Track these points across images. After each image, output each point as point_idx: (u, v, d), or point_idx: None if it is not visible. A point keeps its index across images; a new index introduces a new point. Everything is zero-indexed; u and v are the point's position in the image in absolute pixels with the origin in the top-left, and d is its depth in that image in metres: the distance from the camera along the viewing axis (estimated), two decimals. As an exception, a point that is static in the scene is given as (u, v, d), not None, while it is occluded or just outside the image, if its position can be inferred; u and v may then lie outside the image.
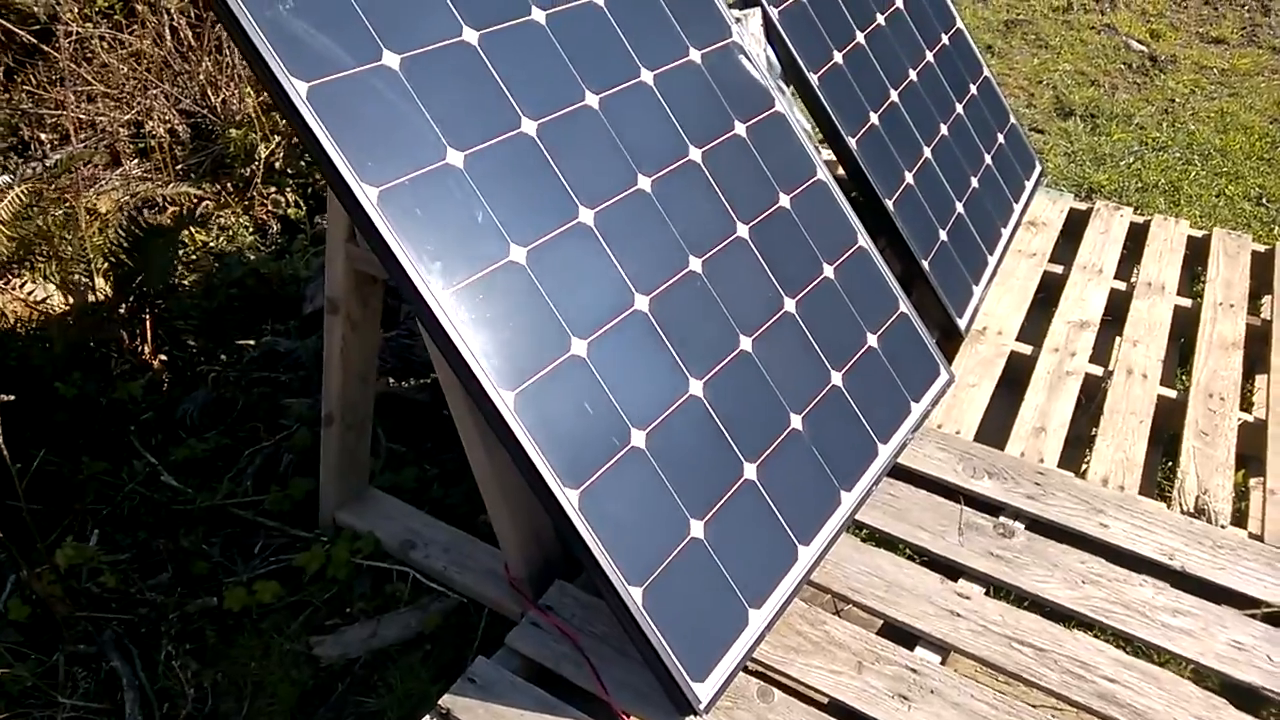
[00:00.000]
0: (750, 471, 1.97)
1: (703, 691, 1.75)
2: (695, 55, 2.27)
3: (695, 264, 2.05)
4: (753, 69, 2.38)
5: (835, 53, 2.67)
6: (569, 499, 1.70)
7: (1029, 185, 3.30)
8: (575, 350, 1.80)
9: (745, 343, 2.07)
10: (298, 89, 1.61)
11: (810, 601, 2.04)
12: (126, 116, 4.08)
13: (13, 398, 1.73)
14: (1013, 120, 3.38)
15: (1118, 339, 2.81)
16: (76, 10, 4.03)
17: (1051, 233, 3.21)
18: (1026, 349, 2.75)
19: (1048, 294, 2.99)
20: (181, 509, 2.45)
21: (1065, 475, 2.33)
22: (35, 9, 4.03)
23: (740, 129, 2.28)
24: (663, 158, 2.09)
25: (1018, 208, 3.17)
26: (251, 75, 4.16)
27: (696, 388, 1.95)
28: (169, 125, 4.07)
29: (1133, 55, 4.57)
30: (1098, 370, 2.68)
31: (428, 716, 1.82)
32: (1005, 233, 3.05)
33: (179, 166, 4.00)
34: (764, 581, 1.92)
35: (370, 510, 2.35)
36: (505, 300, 1.74)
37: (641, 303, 1.93)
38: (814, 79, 2.56)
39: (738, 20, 2.41)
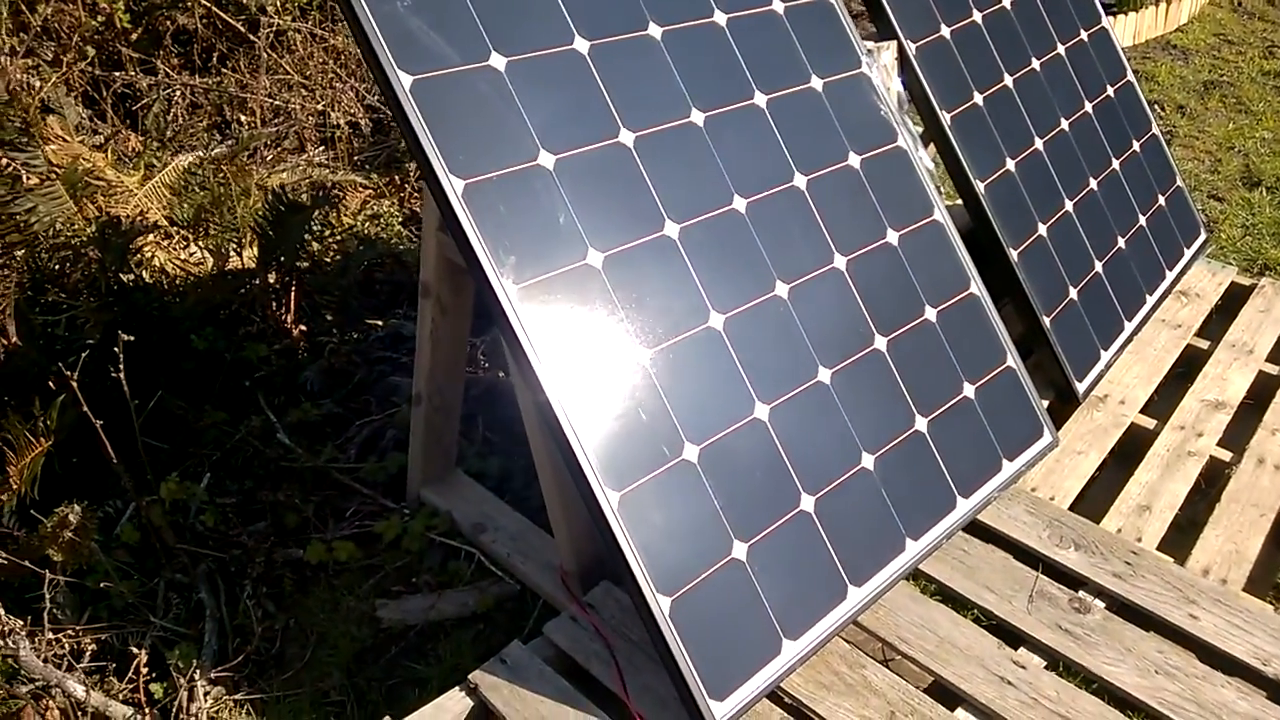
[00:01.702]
0: (807, 503, 1.95)
1: (719, 710, 1.74)
2: (817, 83, 2.27)
3: (781, 290, 2.05)
4: (879, 102, 2.36)
5: (975, 93, 2.60)
6: (609, 500, 1.73)
7: (1188, 253, 3.09)
8: (639, 359, 1.83)
9: (824, 374, 2.05)
10: (402, 81, 1.73)
11: (856, 644, 1.98)
12: (316, 106, 4.44)
13: (132, 338, 1.92)
14: (1179, 183, 3.17)
15: (1256, 425, 2.59)
16: (280, 4, 4.41)
17: (1204, 305, 2.99)
18: (1149, 423, 2.58)
19: (1187, 369, 2.79)
20: (288, 466, 2.63)
21: (1161, 559, 2.17)
22: (247, 0, 4.44)
23: (854, 160, 2.26)
24: (764, 181, 2.10)
25: (1170, 275, 2.98)
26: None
27: (762, 411, 1.94)
28: (352, 118, 4.39)
29: (1343, 128, 4.19)
30: (1225, 455, 2.48)
31: (457, 688, 1.90)
32: (1150, 299, 2.87)
33: (356, 157, 4.31)
34: (805, 614, 1.88)
35: (452, 491, 2.46)
36: (574, 302, 1.80)
37: (716, 321, 1.94)
38: (946, 118, 2.50)
39: (870, 52, 2.39)
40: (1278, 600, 2.24)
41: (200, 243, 2.90)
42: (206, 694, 2.11)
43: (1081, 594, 2.10)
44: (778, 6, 2.27)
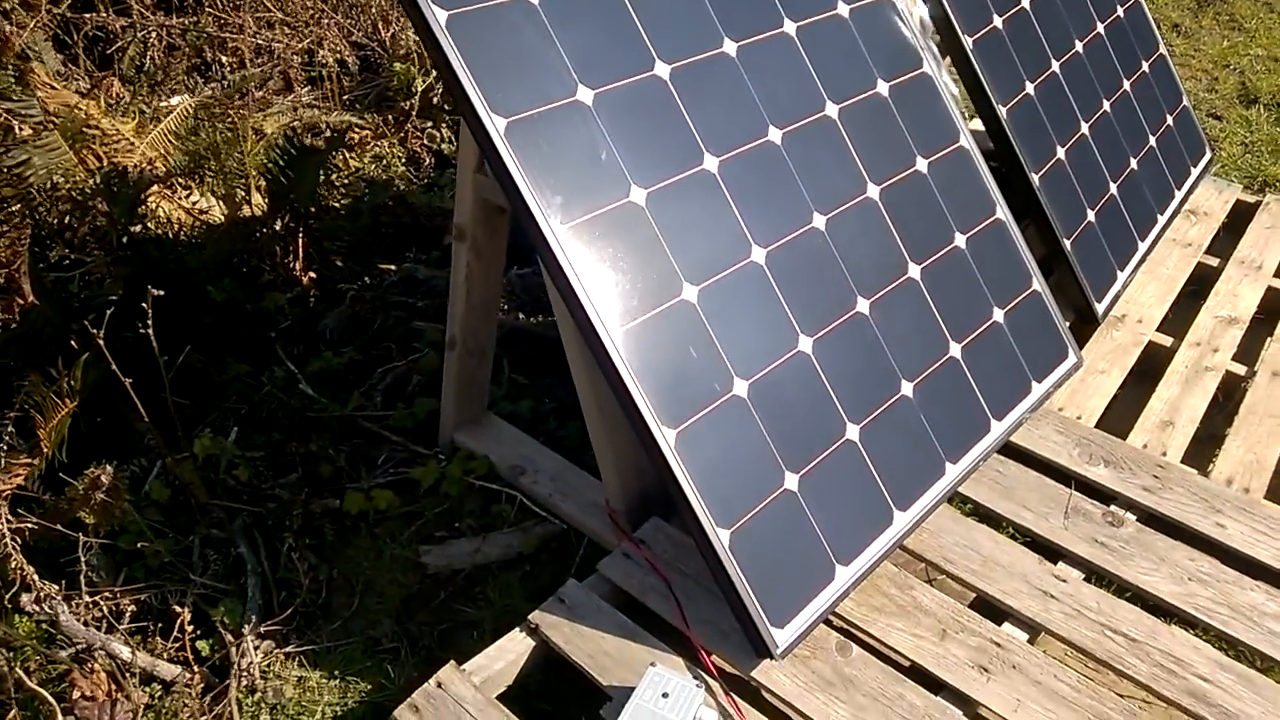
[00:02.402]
0: (853, 432, 1.97)
1: (780, 637, 1.78)
2: (843, 8, 2.24)
3: (819, 221, 2.05)
4: (903, 27, 2.33)
5: (995, 17, 2.58)
6: (665, 438, 1.75)
7: (1195, 172, 3.12)
8: (686, 295, 1.83)
9: (863, 305, 2.06)
10: (438, 17, 1.69)
11: (902, 567, 2.03)
12: (301, 45, 4.31)
13: (163, 293, 1.89)
14: (1185, 103, 3.18)
15: (1268, 339, 2.64)
16: (261, -62, 4.26)
17: (1212, 224, 3.03)
18: (1166, 340, 2.62)
19: (1199, 287, 2.83)
20: (314, 416, 2.62)
21: (1187, 471, 2.23)
22: (224, -65, 4.28)
23: (883, 87, 2.25)
24: (797, 111, 2.09)
25: (1179, 194, 3.00)
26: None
27: (806, 344, 1.96)
28: (339, 56, 4.28)
29: (1335, 41, 4.21)
30: (1240, 369, 2.53)
31: (517, 629, 1.92)
32: (1161, 219, 2.90)
33: (345, 96, 4.21)
34: (854, 540, 1.92)
35: (486, 434, 2.46)
36: (621, 240, 1.79)
37: (758, 255, 1.94)
38: (969, 42, 2.48)
39: (890, -23, 2.35)
40: (1298, 507, 2.31)
41: (205, 190, 2.84)
42: (256, 648, 2.12)
43: (1113, 508, 2.16)
44: (802, -69, 2.22)
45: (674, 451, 1.75)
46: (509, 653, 1.89)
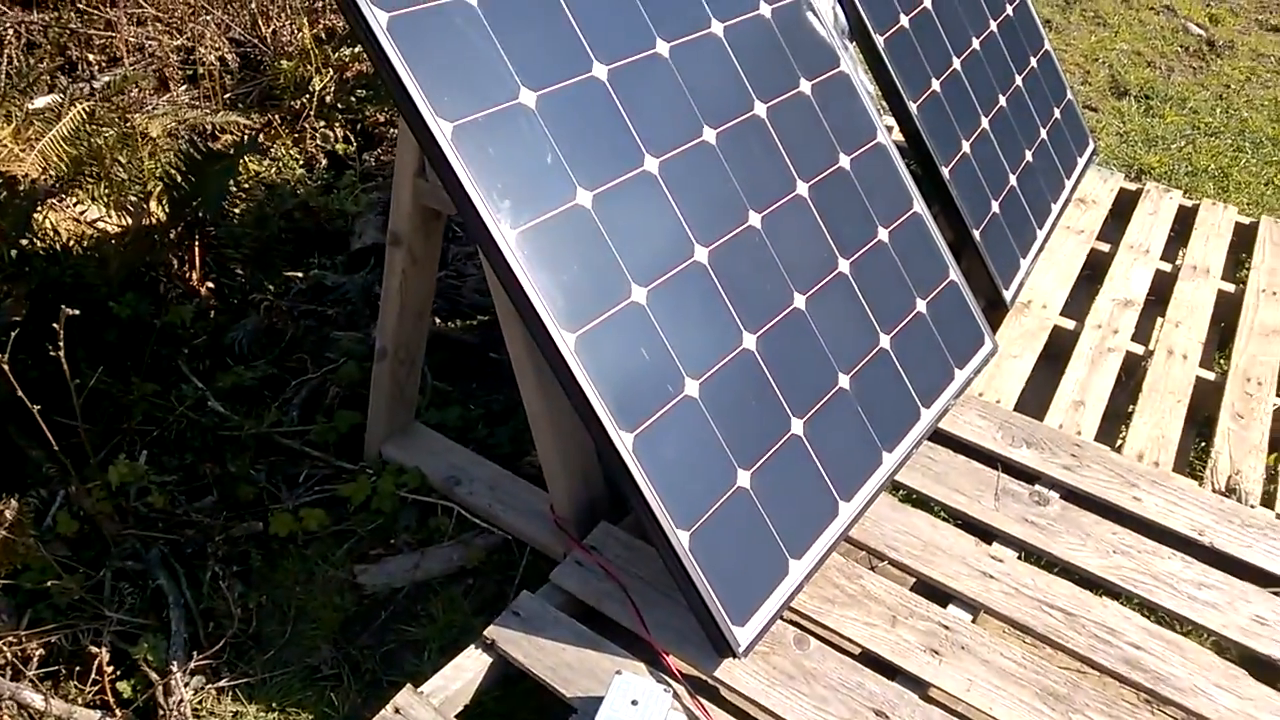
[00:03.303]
0: (798, 427, 2.00)
1: (742, 635, 1.79)
2: (765, 9, 2.26)
3: (755, 219, 2.06)
4: (819, 26, 2.37)
5: (902, 16, 2.65)
6: (624, 442, 1.73)
7: (1081, 162, 3.28)
8: (635, 297, 1.82)
9: (799, 300, 2.09)
10: (379, 18, 1.62)
11: (848, 556, 2.07)
12: (177, 42, 4.09)
13: (77, 312, 1.76)
14: (1070, 96, 3.35)
15: (1160, 319, 2.81)
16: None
17: (1101, 211, 3.20)
18: (1069, 324, 2.76)
19: (1094, 271, 2.99)
20: (228, 435, 2.49)
21: (1101, 449, 2.35)
22: (90, -73, 4.02)
23: (805, 86, 2.28)
24: (728, 110, 2.10)
25: (1069, 184, 3.16)
26: (306, 5, 4.16)
27: (750, 341, 1.97)
28: (219, 53, 4.07)
29: (1190, 39, 4.50)
30: (1139, 349, 2.69)
31: (473, 646, 1.88)
32: (1055, 208, 3.05)
33: (227, 95, 4.01)
34: (805, 533, 1.95)
35: (416, 445, 2.39)
36: (570, 243, 1.76)
37: (701, 254, 1.95)
38: (880, 40, 2.54)
39: (806, -24, 2.39)
40: (1195, 475, 2.46)
41: (97, 199, 2.66)
42: (185, 685, 2.00)
43: (1038, 487, 2.26)
44: (723, -70, 2.23)
45: (633, 455, 1.73)
46: (466, 671, 1.84)
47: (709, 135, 2.04)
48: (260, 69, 4.17)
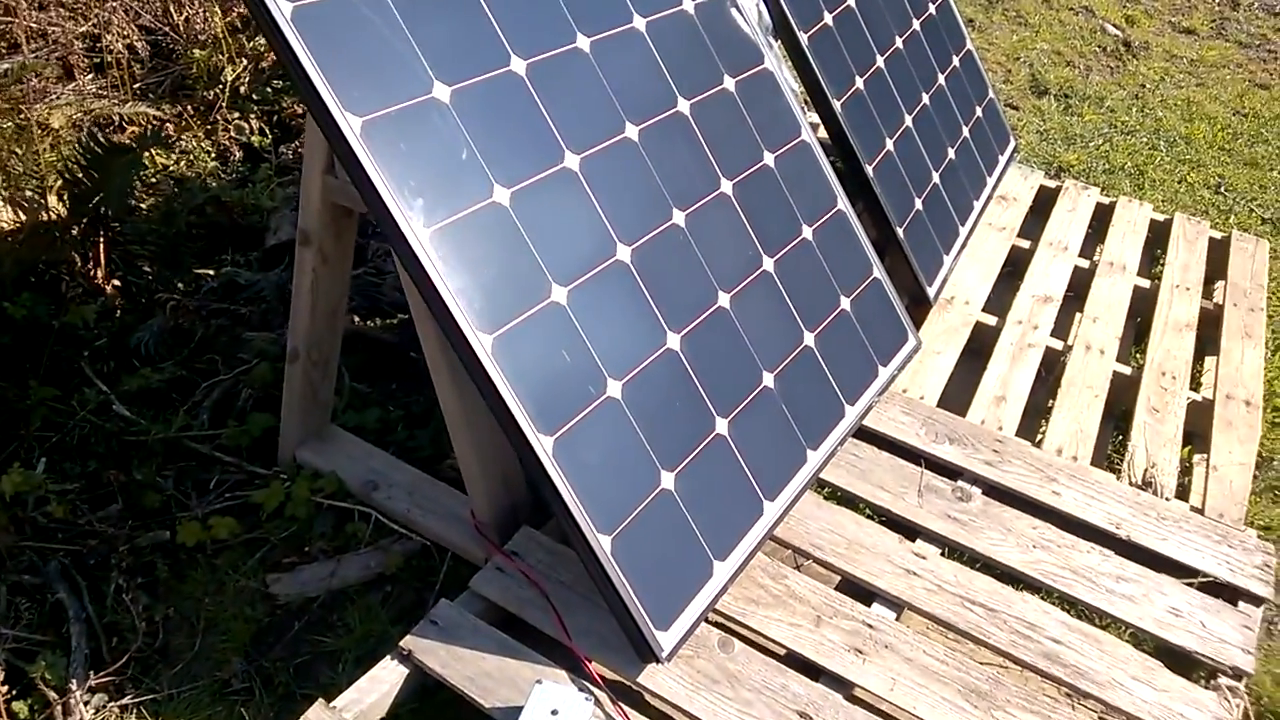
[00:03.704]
0: (722, 426, 1.98)
1: (666, 640, 1.77)
2: (688, 4, 2.23)
3: (678, 217, 2.03)
4: (744, 23, 2.35)
5: (826, 13, 2.65)
6: (543, 445, 1.69)
7: (1002, 160, 3.32)
8: (555, 297, 1.78)
9: (723, 299, 2.07)
10: (282, 9, 1.55)
11: (772, 555, 2.06)
12: (82, 29, 3.91)
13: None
14: (991, 95, 3.39)
15: (1078, 315, 2.86)
16: (31, -89, 3.83)
17: (1021, 208, 3.25)
18: (991, 320, 2.79)
19: (1015, 268, 3.03)
20: (134, 440, 2.39)
21: (1022, 444, 2.38)
22: (-15, -94, 3.82)
23: (729, 83, 2.26)
24: (651, 107, 2.06)
25: (990, 181, 3.20)
26: (218, -6, 4.01)
27: (674, 341, 1.94)
28: (128, 41, 3.91)
29: (1108, 39, 4.61)
30: (1058, 344, 2.73)
31: (389, 657, 1.82)
32: (977, 205, 3.08)
33: (136, 85, 3.85)
34: (730, 534, 1.93)
35: (332, 449, 2.32)
36: (487, 242, 1.71)
37: (623, 253, 1.91)
38: (804, 38, 2.53)
39: (729, -29, 2.36)
40: (1113, 468, 2.51)
41: (-9, 195, 2.52)
42: (86, 703, 1.91)
43: (960, 483, 2.27)
44: (645, -78, 2.20)
45: (552, 459, 1.69)
46: (381, 683, 1.78)
47: (631, 132, 2.00)
48: (172, 58, 4.01)
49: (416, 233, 1.62)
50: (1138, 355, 2.95)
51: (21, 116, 2.51)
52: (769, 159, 2.29)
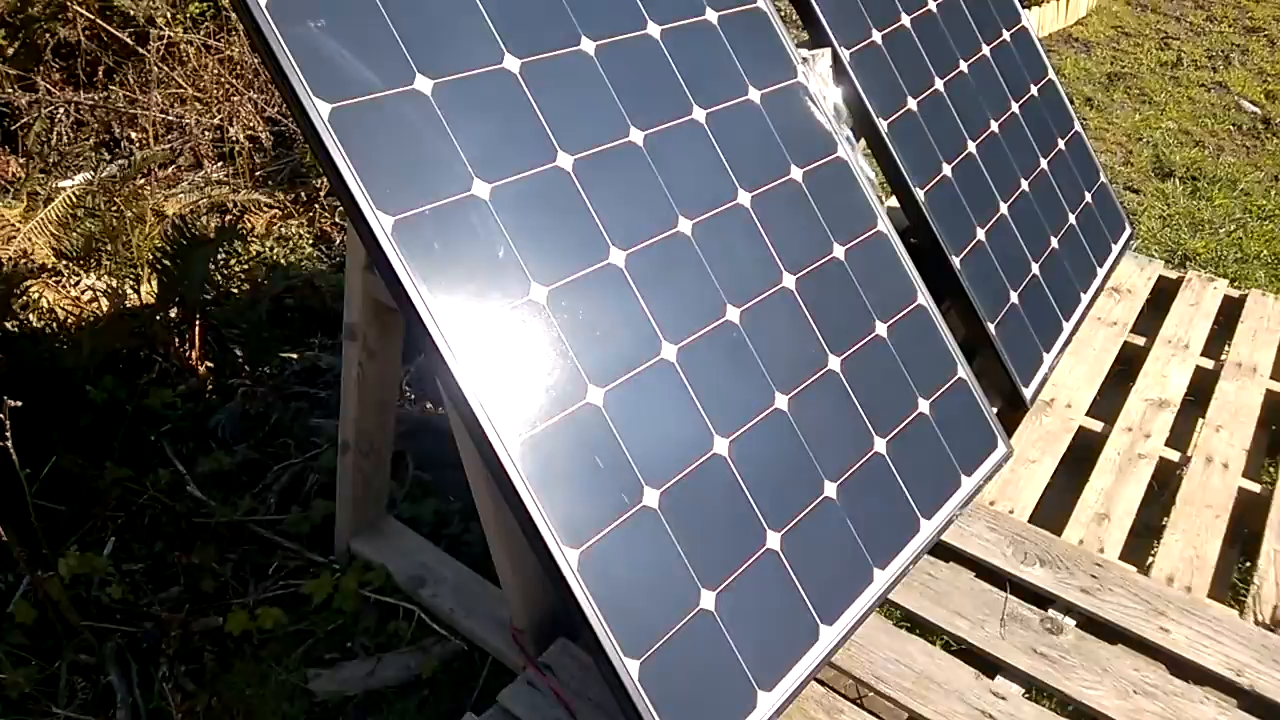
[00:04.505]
0: (774, 540, 1.84)
1: (697, 778, 1.62)
2: (754, 95, 2.16)
3: (733, 314, 1.94)
4: (817, 112, 2.26)
5: (909, 99, 2.53)
6: (567, 559, 1.60)
7: (1115, 249, 3.10)
8: (591, 399, 1.70)
9: (781, 401, 1.95)
10: (320, 110, 1.56)
11: (830, 685, 1.89)
12: (213, 121, 4.16)
13: (20, 403, 1.70)
14: (1103, 179, 3.18)
15: (1199, 422, 2.59)
16: (170, 15, 4.12)
17: (1136, 301, 3.00)
18: (1097, 426, 2.55)
19: (1126, 368, 2.78)
20: (202, 522, 2.42)
21: (1126, 569, 2.14)
22: (134, 12, 4.14)
23: (797, 174, 2.16)
24: (708, 200, 1.99)
25: (1101, 272, 2.97)
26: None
27: (722, 446, 1.83)
28: (252, 132, 4.13)
29: (1244, 116, 4.29)
30: (1174, 455, 2.46)
31: (408, 772, 1.74)
32: (1085, 298, 2.86)
33: (258, 173, 4.05)
34: (778, 662, 1.77)
35: (385, 541, 2.28)
36: (521, 342, 1.65)
37: (669, 352, 1.82)
38: (883, 125, 2.42)
39: (805, 60, 2.29)
40: (1236, 601, 2.23)
41: (94, 278, 2.65)
42: (123, 790, 1.90)
43: (1051, 612, 2.05)
44: (711, 16, 2.15)
45: (577, 575, 1.59)
46: (399, 800, 1.70)
47: (684, 226, 1.93)
48: (293, 147, 4.22)
49: (445, 334, 1.58)
50: (1269, 470, 2.64)
51: (113, 204, 2.63)
52: (839, 251, 2.17)
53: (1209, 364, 2.78)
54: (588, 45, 1.93)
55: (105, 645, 2.15)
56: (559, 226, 1.76)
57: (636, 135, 1.93)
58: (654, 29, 2.04)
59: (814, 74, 2.28)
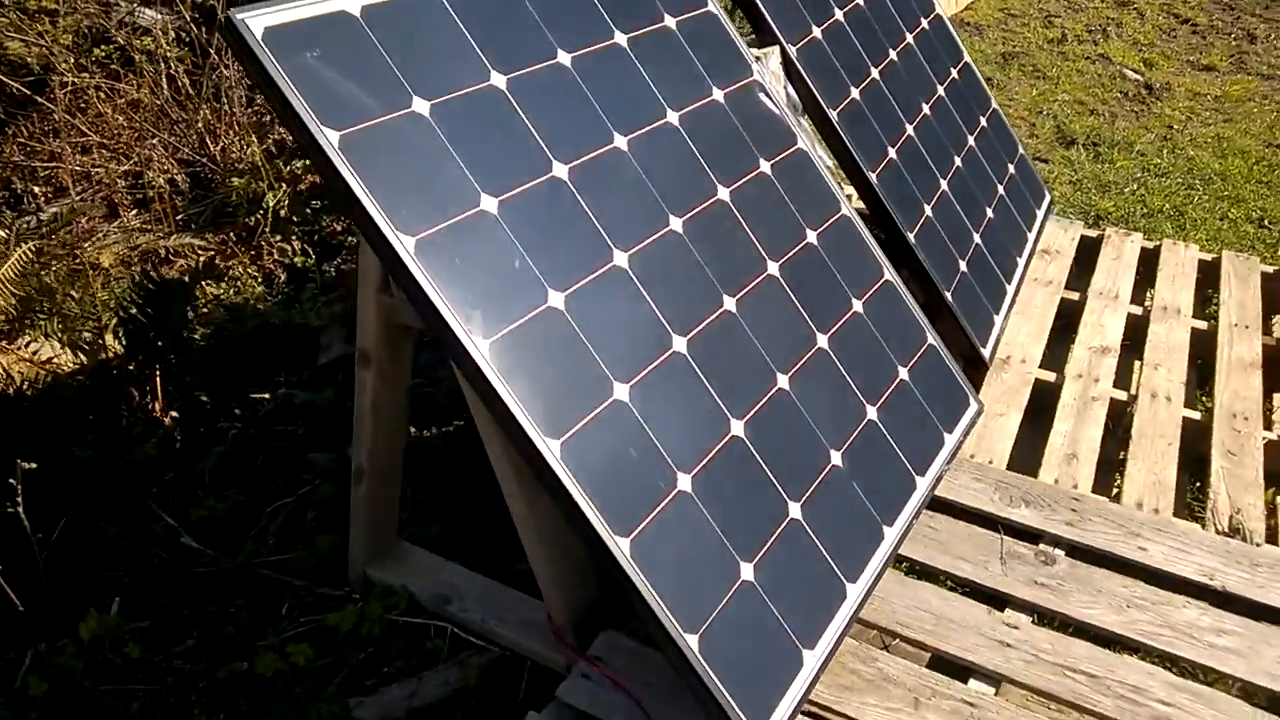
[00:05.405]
0: (795, 510, 1.94)
1: (763, 739, 1.71)
2: (718, 94, 2.27)
3: (729, 303, 2.04)
4: (774, 107, 2.38)
5: (852, 89, 2.68)
6: (620, 548, 1.66)
7: (1040, 214, 3.32)
8: (618, 395, 1.77)
9: (782, 380, 2.05)
10: (329, 138, 1.59)
11: (859, 638, 2.00)
12: (124, 167, 4.05)
13: (34, 465, 1.68)
14: (1021, 150, 3.40)
15: (1139, 363, 2.81)
16: (72, 61, 4.00)
17: (1065, 260, 3.22)
18: (1050, 376, 2.74)
19: (1066, 321, 2.99)
20: (204, 571, 2.39)
21: (1100, 500, 2.32)
22: (29, 59, 4.00)
23: (765, 167, 2.28)
24: (692, 198, 2.08)
25: (1031, 236, 3.18)
26: (254, 121, 4.15)
27: (738, 427, 1.92)
28: (168, 175, 4.04)
29: (1129, 84, 4.62)
30: (1122, 395, 2.67)
31: (479, 777, 1.77)
32: (1021, 262, 3.06)
33: (179, 217, 3.97)
34: (815, 621, 1.88)
35: (401, 564, 2.30)
36: (547, 347, 1.71)
37: (679, 344, 1.91)
38: (834, 115, 2.56)
39: (757, 59, 2.41)
40: (1195, 517, 2.43)
41: (44, 338, 2.58)
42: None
43: (1042, 546, 2.21)
44: (670, 22, 2.25)
45: (631, 561, 1.67)
46: (475, 806, 1.73)
47: (675, 224, 2.02)
48: (211, 187, 4.14)
49: (478, 345, 1.63)
50: (1205, 399, 2.88)
51: (75, 260, 2.57)
52: (812, 237, 2.29)
53: (1138, 310, 3.02)
54: (564, 57, 2.00)
55: (131, 706, 2.11)
56: (564, 234, 1.83)
57: (620, 140, 2.01)
58: (621, 38, 2.13)
59: (767, 71, 2.40)
